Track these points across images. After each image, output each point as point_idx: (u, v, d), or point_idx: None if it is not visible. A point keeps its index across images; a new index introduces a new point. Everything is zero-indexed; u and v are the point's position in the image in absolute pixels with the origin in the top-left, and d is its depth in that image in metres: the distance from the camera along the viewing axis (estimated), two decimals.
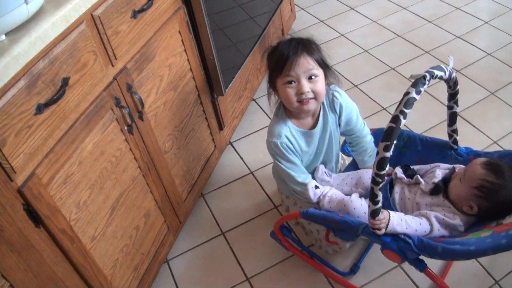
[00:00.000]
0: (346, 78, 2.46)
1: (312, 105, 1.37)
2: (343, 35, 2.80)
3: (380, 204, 1.14)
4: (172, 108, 1.59)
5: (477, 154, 1.40)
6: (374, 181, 1.10)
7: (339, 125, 1.50)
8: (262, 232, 1.79)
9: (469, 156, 1.42)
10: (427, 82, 1.06)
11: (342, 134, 1.57)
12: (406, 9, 2.95)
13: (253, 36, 2.15)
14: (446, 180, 1.32)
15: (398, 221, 1.20)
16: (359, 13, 2.99)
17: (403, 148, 1.55)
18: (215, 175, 2.03)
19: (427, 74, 1.07)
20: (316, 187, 1.42)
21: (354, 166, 1.61)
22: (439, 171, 1.38)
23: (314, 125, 1.46)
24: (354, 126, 1.53)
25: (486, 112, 2.12)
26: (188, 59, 1.65)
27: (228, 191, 1.97)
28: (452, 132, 1.42)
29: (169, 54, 1.53)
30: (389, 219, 1.18)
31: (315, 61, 1.36)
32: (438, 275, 1.25)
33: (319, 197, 1.40)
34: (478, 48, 2.51)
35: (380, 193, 1.12)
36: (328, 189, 1.42)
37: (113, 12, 1.23)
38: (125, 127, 1.34)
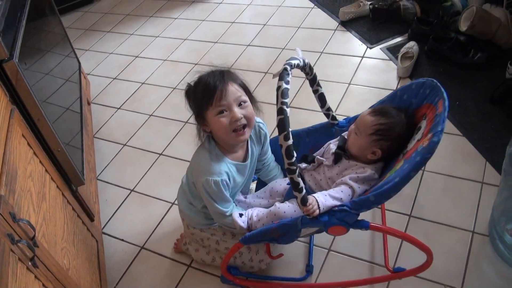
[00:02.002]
0: (172, 119, 2.43)
1: (247, 134, 1.37)
2: (144, 83, 2.76)
3: (304, 190, 1.18)
4: (51, 220, 1.36)
5: (357, 118, 1.53)
6: (290, 171, 1.14)
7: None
8: None
9: (351, 123, 1.54)
10: (290, 73, 1.15)
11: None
12: (187, 40, 3.05)
13: (77, 115, 1.99)
14: (341, 146, 1.43)
15: (324, 198, 1.26)
16: (146, 57, 2.98)
17: (294, 147, 1.59)
18: (108, 269, 1.79)
19: (287, 66, 1.17)
20: (241, 215, 1.42)
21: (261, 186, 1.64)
22: (332, 144, 1.49)
23: (245, 157, 1.46)
24: (266, 153, 1.58)
25: (311, 94, 2.32)
26: (40, 161, 1.42)
27: (131, 279, 1.76)
28: (327, 111, 1.54)
29: (25, 163, 1.30)
30: (317, 200, 1.23)
31: (241, 87, 1.36)
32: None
33: (248, 222, 1.40)
34: (273, 48, 2.75)
35: (300, 180, 1.16)
36: (251, 211, 1.43)
37: None
38: (29, 263, 1.10)
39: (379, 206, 1.77)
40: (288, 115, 1.10)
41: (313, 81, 1.43)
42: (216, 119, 1.33)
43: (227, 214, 1.42)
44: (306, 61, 1.30)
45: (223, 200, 1.41)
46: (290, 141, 1.11)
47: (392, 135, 1.34)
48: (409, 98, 1.38)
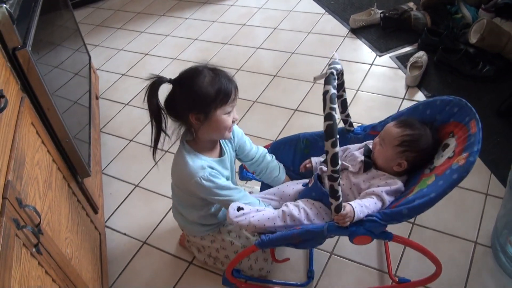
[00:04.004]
0: None
1: None
2: None
3: (341, 199, 1.18)
4: (57, 209, 1.37)
5: (372, 127, 1.54)
6: (332, 178, 1.14)
7: (235, 150, 1.56)
8: None
9: (367, 131, 1.55)
10: (336, 77, 1.15)
11: (242, 161, 1.61)
12: (197, 40, 3.07)
13: (85, 109, 2.00)
14: (367, 155, 1.43)
15: (360, 209, 1.24)
16: (155, 55, 3.00)
17: (305, 149, 1.61)
18: (110, 262, 1.79)
19: (333, 70, 1.17)
20: (239, 208, 1.37)
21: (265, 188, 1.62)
22: (356, 152, 1.48)
23: (220, 153, 1.49)
24: (249, 150, 1.58)
25: (318, 98, 2.32)
26: (48, 151, 1.43)
27: (132, 273, 1.76)
28: (346, 117, 1.54)
29: (33, 151, 1.30)
30: (354, 211, 1.22)
31: None
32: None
33: (246, 219, 1.35)
34: (282, 51, 2.76)
35: (339, 188, 1.16)
36: (254, 212, 1.36)
37: None
38: (33, 249, 1.10)
39: None
40: (336, 121, 1.09)
41: (341, 86, 1.43)
42: (224, 117, 1.37)
43: (245, 201, 1.41)
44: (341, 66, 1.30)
45: (225, 188, 1.40)
46: (337, 149, 1.10)
47: (417, 147, 1.34)
48: (433, 113, 1.38)
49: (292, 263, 1.69)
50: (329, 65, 1.21)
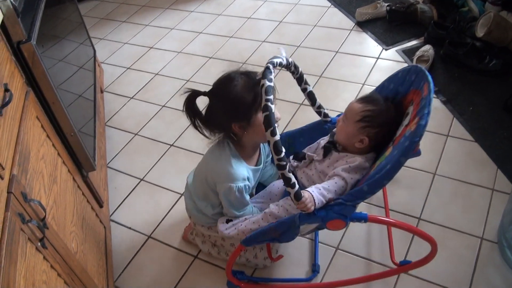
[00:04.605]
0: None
1: None
2: (158, 74, 2.76)
3: (297, 186, 1.17)
4: (61, 203, 1.37)
5: None
6: (280, 167, 1.14)
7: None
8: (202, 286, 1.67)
9: None
10: (273, 71, 1.18)
11: None
12: (202, 33, 3.05)
13: (90, 102, 1.99)
14: (332, 141, 1.44)
15: (319, 192, 1.25)
16: (160, 49, 2.98)
17: (290, 148, 1.61)
18: (115, 256, 1.79)
19: (269, 65, 1.19)
20: (228, 221, 1.44)
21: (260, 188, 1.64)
22: (322, 140, 1.51)
23: (258, 161, 1.48)
24: (270, 155, 1.59)
25: (324, 93, 2.34)
26: (53, 145, 1.43)
27: (137, 267, 1.76)
28: (318, 109, 1.54)
29: (38, 145, 1.30)
30: (312, 195, 1.22)
31: None
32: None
33: (235, 229, 1.41)
34: (287, 45, 2.74)
35: (291, 175, 1.16)
36: (241, 220, 1.43)
37: None
38: (39, 244, 1.10)
39: (383, 205, 1.76)
40: (273, 111, 1.12)
41: (300, 80, 1.44)
42: None
43: (243, 215, 1.45)
44: (290, 60, 1.33)
45: (242, 205, 1.43)
46: (277, 137, 1.12)
47: (378, 122, 1.34)
48: (396, 86, 1.38)
49: (298, 258, 1.69)
50: (269, 59, 1.23)
